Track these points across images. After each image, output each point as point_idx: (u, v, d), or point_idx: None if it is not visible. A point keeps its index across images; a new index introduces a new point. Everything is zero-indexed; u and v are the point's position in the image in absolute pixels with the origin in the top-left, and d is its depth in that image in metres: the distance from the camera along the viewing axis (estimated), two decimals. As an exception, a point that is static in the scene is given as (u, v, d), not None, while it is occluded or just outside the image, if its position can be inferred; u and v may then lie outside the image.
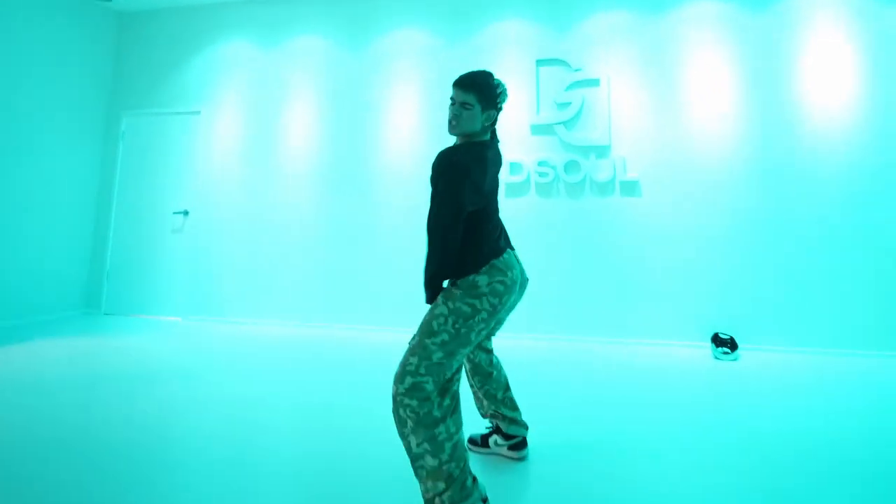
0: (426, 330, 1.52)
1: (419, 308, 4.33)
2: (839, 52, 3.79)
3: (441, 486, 1.43)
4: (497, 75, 4.27)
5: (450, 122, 1.67)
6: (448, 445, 1.45)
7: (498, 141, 1.84)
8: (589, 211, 4.10)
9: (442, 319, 1.52)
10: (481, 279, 1.57)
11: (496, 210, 1.78)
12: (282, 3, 5.01)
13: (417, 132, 4.54)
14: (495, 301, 1.56)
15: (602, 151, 4.10)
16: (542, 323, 4.04)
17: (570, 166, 4.15)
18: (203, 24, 5.18)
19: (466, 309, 1.53)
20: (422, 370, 1.47)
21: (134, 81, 5.28)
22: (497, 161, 1.77)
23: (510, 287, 1.61)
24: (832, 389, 2.91)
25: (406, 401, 1.45)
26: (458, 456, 1.46)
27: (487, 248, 1.62)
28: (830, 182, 3.72)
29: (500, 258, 1.63)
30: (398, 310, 4.38)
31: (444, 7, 4.58)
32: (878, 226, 3.63)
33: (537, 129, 4.24)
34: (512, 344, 3.74)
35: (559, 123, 4.18)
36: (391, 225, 4.50)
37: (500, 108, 1.73)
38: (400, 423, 1.47)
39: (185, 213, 5.02)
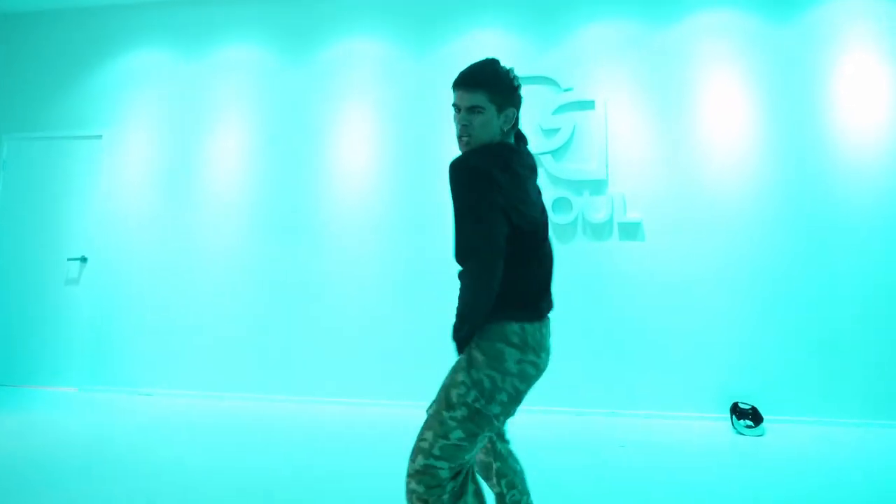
0: (445, 399, 1.24)
1: (373, 377, 3.58)
2: (874, 73, 3.33)
3: None
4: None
5: (459, 137, 1.31)
6: None
7: (527, 142, 1.47)
8: (581, 257, 3.46)
9: (463, 389, 1.22)
10: (510, 353, 1.23)
11: (543, 244, 1.36)
12: (206, 5, 4.11)
13: (374, 162, 3.77)
14: (522, 387, 1.26)
15: (597, 187, 3.47)
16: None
17: (560, 204, 3.49)
18: (107, 29, 4.20)
19: (487, 383, 1.22)
20: (436, 451, 1.19)
21: (17, 98, 4.24)
22: (533, 169, 1.40)
23: (540, 370, 1.30)
24: (874, 467, 2.46)
25: (413, 485, 1.19)
26: None
27: (530, 297, 1.28)
28: (867, 228, 3.23)
29: (539, 328, 1.28)
30: (349, 379, 3.61)
31: (408, 14, 3.84)
32: None
33: (523, 160, 3.57)
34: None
35: (546, 153, 3.52)
36: (342, 274, 3.71)
37: (521, 103, 1.37)
38: None
39: (83, 259, 4.04)
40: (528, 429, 2.96)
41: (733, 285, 3.32)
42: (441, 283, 3.58)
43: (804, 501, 2.17)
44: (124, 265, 3.95)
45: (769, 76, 3.40)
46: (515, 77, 1.36)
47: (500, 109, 1.30)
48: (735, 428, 3.12)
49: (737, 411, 3.18)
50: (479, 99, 1.28)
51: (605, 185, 3.48)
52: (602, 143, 3.48)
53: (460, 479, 1.22)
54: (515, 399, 1.26)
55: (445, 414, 1.22)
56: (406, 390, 3.52)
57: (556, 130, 3.53)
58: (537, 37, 3.65)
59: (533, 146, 3.43)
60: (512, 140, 1.37)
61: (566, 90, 3.55)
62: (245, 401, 3.66)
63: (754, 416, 3.12)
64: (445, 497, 1.18)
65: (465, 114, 1.29)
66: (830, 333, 3.23)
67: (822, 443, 2.91)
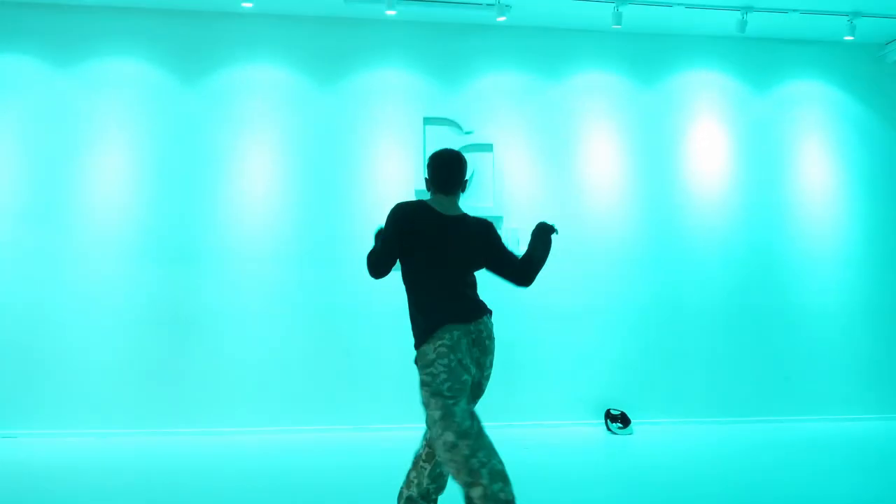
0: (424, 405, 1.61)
1: (273, 404, 3.62)
2: (716, 131, 4.08)
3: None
4: (378, 130, 3.76)
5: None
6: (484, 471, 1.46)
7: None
8: (478, 286, 3.78)
9: (423, 392, 1.60)
10: (427, 348, 1.60)
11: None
12: (85, 13, 3.71)
13: (273, 191, 3.77)
14: (446, 361, 1.56)
15: (494, 223, 3.82)
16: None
17: (461, 237, 3.80)
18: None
19: (428, 379, 1.57)
20: (438, 431, 1.50)
21: None
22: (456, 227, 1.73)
23: (455, 344, 1.59)
24: (719, 456, 3.12)
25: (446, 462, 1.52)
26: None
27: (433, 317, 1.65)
28: (709, 259, 3.98)
29: (447, 328, 1.61)
30: (257, 406, 3.62)
31: (314, 43, 3.86)
32: (755, 303, 3.97)
33: (422, 195, 3.81)
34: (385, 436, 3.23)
35: (448, 190, 3.81)
36: (235, 303, 3.67)
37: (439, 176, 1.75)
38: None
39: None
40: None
41: (607, 309, 3.88)
42: (338, 308, 3.73)
43: (663, 484, 2.61)
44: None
45: (636, 129, 4.03)
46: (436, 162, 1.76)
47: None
48: (610, 430, 3.66)
49: (609, 416, 3.73)
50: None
51: (500, 221, 3.85)
52: (498, 183, 3.85)
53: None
54: (454, 370, 1.56)
55: (428, 413, 1.57)
56: (308, 414, 3.62)
57: (458, 169, 3.83)
58: (442, 81, 3.92)
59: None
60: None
61: (467, 133, 3.86)
62: (130, 436, 3.47)
63: (623, 420, 3.69)
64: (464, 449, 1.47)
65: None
66: (681, 346, 3.92)
67: (678, 438, 3.57)
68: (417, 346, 1.67)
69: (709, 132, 4.07)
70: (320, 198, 3.79)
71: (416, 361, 1.66)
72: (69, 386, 3.54)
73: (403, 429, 3.41)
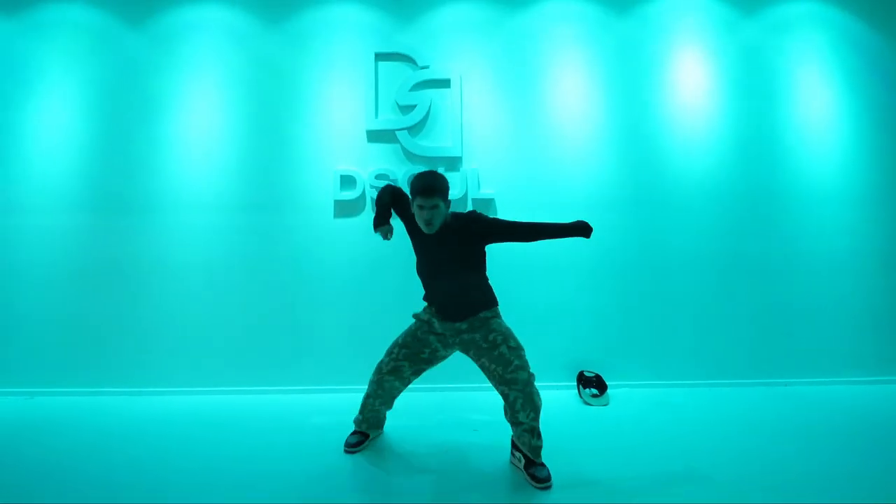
0: (512, 338, 2.28)
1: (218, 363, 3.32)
2: (699, 60, 3.63)
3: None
4: (326, 68, 3.49)
5: (428, 222, 2.16)
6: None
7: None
8: (440, 233, 3.42)
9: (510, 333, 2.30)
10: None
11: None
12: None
13: (219, 135, 3.52)
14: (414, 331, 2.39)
15: (452, 163, 3.48)
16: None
17: (417, 180, 3.46)
18: None
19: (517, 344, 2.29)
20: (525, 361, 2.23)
21: None
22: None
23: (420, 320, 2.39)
24: (707, 425, 2.68)
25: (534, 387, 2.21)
26: None
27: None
28: (696, 205, 3.52)
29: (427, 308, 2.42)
30: (197, 364, 3.33)
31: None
32: (741, 255, 3.49)
33: (375, 136, 3.50)
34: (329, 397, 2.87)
35: (402, 129, 3.48)
36: (183, 255, 3.43)
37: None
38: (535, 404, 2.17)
39: None
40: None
41: (578, 262, 3.45)
42: (282, 258, 3.44)
43: (639, 448, 2.40)
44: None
45: (610, 60, 3.61)
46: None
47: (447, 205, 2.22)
48: (582, 398, 3.21)
49: (582, 379, 3.28)
50: (437, 201, 2.13)
51: (459, 162, 3.49)
52: (457, 121, 3.50)
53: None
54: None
55: (515, 345, 2.27)
56: (248, 374, 3.32)
57: (413, 107, 3.50)
58: (395, 14, 3.61)
59: (389, 122, 3.44)
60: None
61: (423, 67, 3.54)
62: (67, 395, 3.24)
63: (598, 385, 3.23)
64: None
65: (429, 211, 2.13)
66: (666, 300, 3.46)
67: (656, 403, 3.09)
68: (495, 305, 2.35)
69: (693, 61, 3.61)
70: (266, 141, 3.53)
71: (497, 314, 2.34)
72: (2, 339, 3.35)
73: (348, 390, 3.09)
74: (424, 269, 2.32)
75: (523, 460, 2.14)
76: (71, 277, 3.42)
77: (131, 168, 3.49)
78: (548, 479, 2.04)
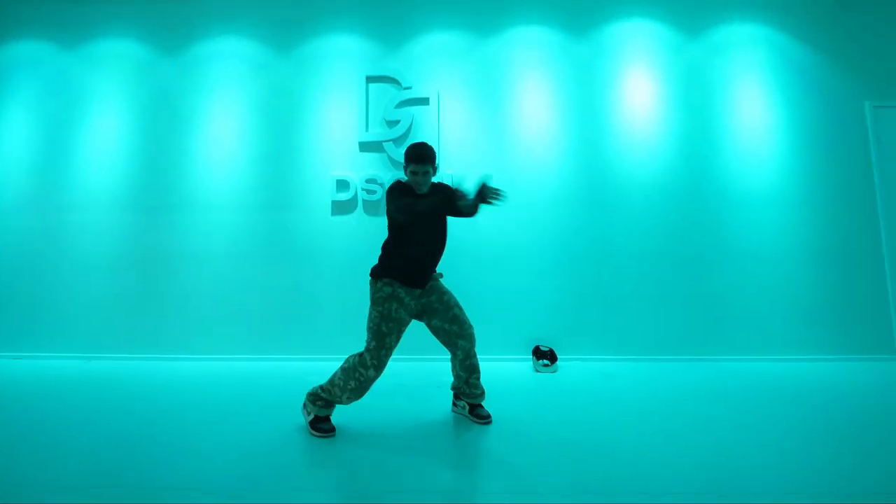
0: (454, 298, 2.59)
1: (242, 333, 4.02)
2: (649, 80, 4.17)
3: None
4: (325, 90, 4.15)
5: (418, 186, 2.47)
6: None
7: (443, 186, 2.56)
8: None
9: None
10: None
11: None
12: (83, 4, 4.44)
13: (238, 146, 4.23)
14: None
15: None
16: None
17: (401, 184, 4.10)
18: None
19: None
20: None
21: None
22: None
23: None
24: (639, 390, 3.14)
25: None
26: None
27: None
28: (638, 202, 4.05)
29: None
30: (218, 336, 4.04)
31: (270, 15, 4.35)
32: (679, 249, 4.00)
33: (365, 147, 4.16)
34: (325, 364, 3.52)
35: (388, 140, 4.13)
36: (207, 246, 4.15)
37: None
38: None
39: (-45, 234, 4.22)
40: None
41: (537, 251, 4.03)
42: (290, 249, 4.11)
43: (583, 414, 2.78)
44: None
45: (569, 79, 4.19)
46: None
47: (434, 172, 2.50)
48: (535, 367, 3.80)
49: (537, 353, 3.87)
50: (428, 168, 2.43)
51: (437, 168, 4.11)
52: (435, 133, 4.12)
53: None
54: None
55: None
56: (262, 344, 4.03)
57: (398, 122, 4.14)
58: (384, 42, 4.27)
59: (377, 135, 4.08)
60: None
61: (406, 88, 4.17)
62: (117, 360, 3.99)
63: (551, 357, 3.81)
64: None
65: (422, 175, 2.43)
66: (611, 287, 4.00)
67: (599, 375, 3.60)
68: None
69: (642, 79, 4.15)
70: (276, 151, 4.21)
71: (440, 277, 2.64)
72: (64, 315, 4.14)
73: (340, 359, 3.74)
74: (405, 238, 2.40)
75: (467, 406, 2.64)
76: (118, 264, 4.17)
77: (165, 174, 4.23)
78: (490, 415, 2.59)
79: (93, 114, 4.31)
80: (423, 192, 2.45)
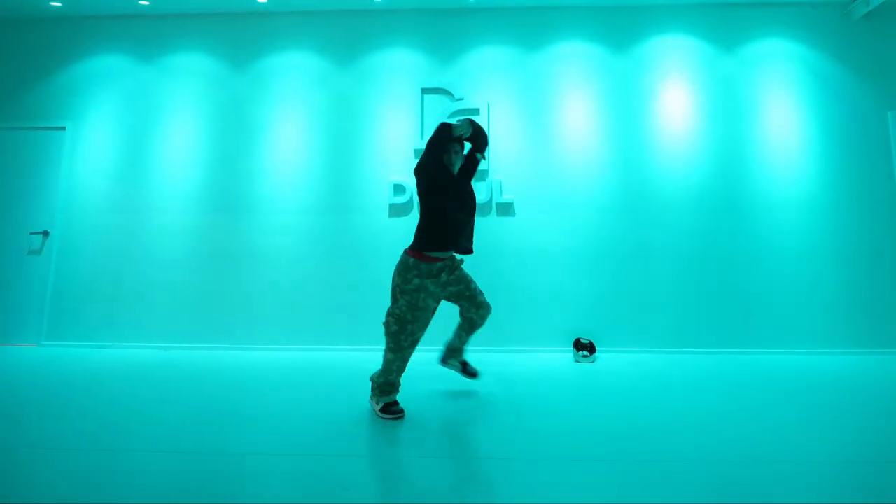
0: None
1: (303, 326, 4.39)
2: (684, 91, 4.49)
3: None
4: (384, 101, 4.50)
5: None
6: None
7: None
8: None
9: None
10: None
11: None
12: (161, 20, 4.83)
13: (303, 154, 4.60)
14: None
15: (481, 175, 4.45)
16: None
17: (453, 188, 4.44)
18: (75, 36, 4.83)
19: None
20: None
21: (-13, 90, 4.80)
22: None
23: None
24: (673, 381, 3.43)
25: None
26: None
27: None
28: (675, 205, 4.38)
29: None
30: (281, 329, 4.40)
31: (332, 32, 4.71)
32: (713, 249, 4.31)
33: (420, 153, 4.49)
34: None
35: (441, 149, 4.47)
36: (273, 246, 4.51)
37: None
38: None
39: (45, 233, 4.62)
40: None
41: (579, 251, 4.37)
42: (347, 249, 4.46)
43: (621, 405, 3.10)
44: (85, 238, 4.59)
45: (610, 91, 4.52)
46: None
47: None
48: (574, 358, 4.13)
49: (577, 345, 4.20)
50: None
51: (486, 174, 4.45)
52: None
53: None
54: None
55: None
56: (320, 335, 4.40)
57: (450, 131, 4.48)
58: (437, 56, 4.61)
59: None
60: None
61: (459, 99, 4.51)
62: (192, 349, 4.37)
63: (591, 348, 4.15)
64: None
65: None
66: (648, 283, 4.33)
67: (634, 364, 3.93)
68: None
69: (678, 90, 4.46)
70: (338, 158, 4.57)
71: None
72: (143, 308, 4.52)
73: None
74: (450, 205, 2.65)
75: (459, 365, 3.10)
76: (193, 262, 4.55)
77: (235, 179, 4.61)
78: (478, 371, 3.12)
79: (169, 123, 4.69)
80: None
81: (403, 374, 2.77)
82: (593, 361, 4.05)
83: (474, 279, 2.88)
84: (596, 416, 2.74)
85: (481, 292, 2.88)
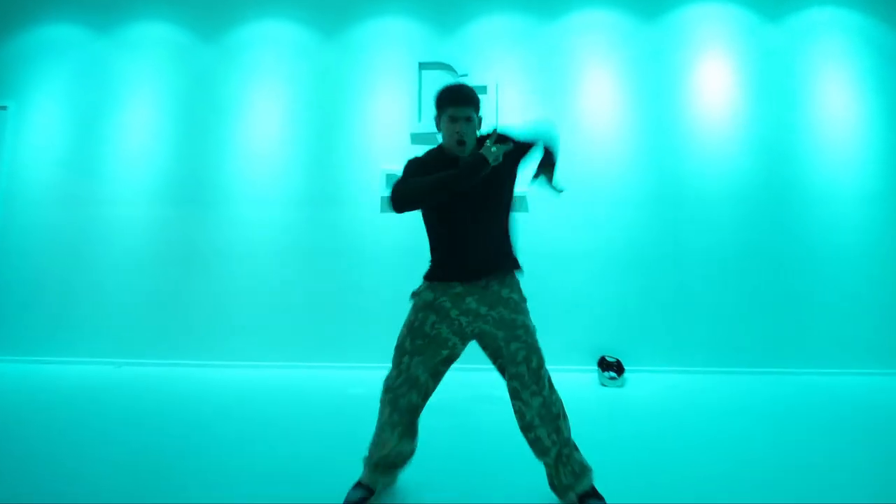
0: (532, 330, 1.85)
1: (279, 338, 3.76)
2: (724, 68, 3.85)
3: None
4: (376, 76, 3.87)
5: (460, 140, 1.70)
6: None
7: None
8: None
9: (531, 325, 1.87)
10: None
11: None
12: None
13: (282, 137, 3.97)
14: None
15: (487, 164, 3.82)
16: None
17: (455, 179, 3.81)
18: (13, 0, 4.21)
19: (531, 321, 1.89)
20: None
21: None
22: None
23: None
24: (714, 407, 2.86)
25: (557, 396, 1.86)
26: None
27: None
28: (713, 202, 3.75)
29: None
30: (258, 342, 3.77)
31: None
32: (755, 250, 3.70)
33: (418, 139, 3.86)
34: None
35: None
36: (248, 244, 3.88)
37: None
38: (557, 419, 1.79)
39: (-18, 229, 4.00)
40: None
41: (602, 252, 3.75)
42: (337, 248, 3.83)
43: (655, 435, 2.54)
44: (25, 236, 3.96)
45: (637, 66, 3.89)
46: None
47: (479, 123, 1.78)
48: (600, 380, 3.50)
49: (603, 364, 3.57)
50: (471, 112, 1.71)
51: (494, 162, 3.82)
52: (492, 123, 3.83)
53: None
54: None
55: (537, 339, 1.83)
56: (304, 350, 3.77)
57: (452, 112, 3.85)
58: (437, 26, 3.98)
59: (431, 126, 3.75)
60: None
61: (463, 75, 3.88)
62: (151, 366, 3.74)
63: (618, 368, 3.52)
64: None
65: (464, 122, 1.70)
66: (683, 290, 3.71)
67: (670, 387, 3.33)
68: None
69: (717, 65, 3.84)
70: (322, 143, 3.95)
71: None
72: (94, 317, 3.89)
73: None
74: (449, 216, 1.75)
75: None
76: (152, 262, 3.93)
77: (203, 167, 3.98)
78: None
79: (126, 102, 4.05)
80: (466, 153, 1.70)
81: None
82: (622, 385, 3.42)
83: (536, 339, 1.80)
84: (631, 460, 2.20)
85: (533, 364, 1.78)
